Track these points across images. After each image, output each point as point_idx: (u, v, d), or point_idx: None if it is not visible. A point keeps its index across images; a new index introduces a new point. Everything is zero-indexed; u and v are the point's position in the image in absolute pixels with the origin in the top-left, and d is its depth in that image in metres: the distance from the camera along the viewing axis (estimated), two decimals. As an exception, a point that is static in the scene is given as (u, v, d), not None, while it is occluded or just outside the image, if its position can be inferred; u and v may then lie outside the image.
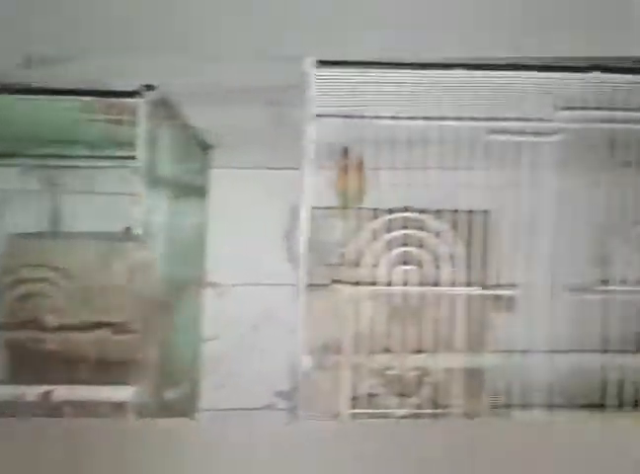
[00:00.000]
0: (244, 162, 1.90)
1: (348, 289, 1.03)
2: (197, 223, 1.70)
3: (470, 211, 1.02)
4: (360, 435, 0.92)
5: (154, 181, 1.04)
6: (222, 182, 1.80)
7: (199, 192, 1.73)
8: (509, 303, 1.03)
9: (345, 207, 1.08)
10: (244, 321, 1.76)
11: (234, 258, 1.74)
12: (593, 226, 1.02)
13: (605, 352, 1.03)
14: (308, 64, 0.98)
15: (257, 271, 1.68)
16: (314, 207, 1.16)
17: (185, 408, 1.57)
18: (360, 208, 1.08)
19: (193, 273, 1.62)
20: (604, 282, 1.02)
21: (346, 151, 1.28)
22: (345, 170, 1.32)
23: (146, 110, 0.98)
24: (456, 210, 1.02)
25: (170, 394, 1.35)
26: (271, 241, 1.71)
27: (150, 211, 1.01)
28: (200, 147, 1.68)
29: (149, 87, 1.00)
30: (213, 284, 1.79)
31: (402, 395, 1.03)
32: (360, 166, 1.35)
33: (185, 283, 1.52)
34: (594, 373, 1.03)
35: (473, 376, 1.03)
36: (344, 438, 0.92)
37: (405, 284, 1.02)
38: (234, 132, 1.66)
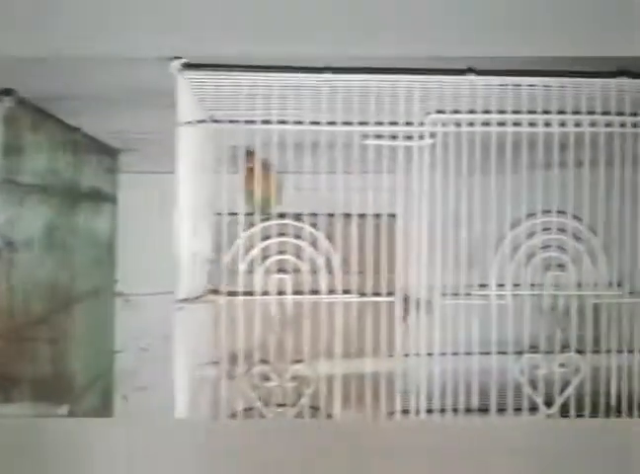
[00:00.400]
0: (154, 167, 1.86)
1: (222, 300, 1.00)
2: (103, 230, 1.65)
3: (348, 215, 1.01)
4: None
5: (19, 188, 0.99)
6: (132, 187, 1.76)
7: (105, 197, 1.68)
8: (389, 309, 1.02)
9: (253, 213, 1.05)
10: (154, 331, 1.72)
11: (145, 266, 1.70)
12: (467, 230, 1.01)
13: (487, 354, 1.02)
14: (175, 67, 0.95)
15: (168, 279, 1.64)
16: (217, 214, 1.12)
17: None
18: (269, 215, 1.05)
19: (95, 282, 1.57)
20: (483, 287, 1.02)
21: (250, 155, 1.25)
22: (251, 174, 1.29)
23: (2, 115, 0.93)
24: (333, 214, 1.00)
25: (64, 409, 1.30)
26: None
27: (11, 220, 0.97)
28: (102, 152, 1.63)
29: (7, 92, 0.95)
30: (121, 294, 1.75)
31: (281, 406, 1.01)
32: (267, 170, 1.32)
33: (83, 294, 1.47)
34: (474, 377, 1.02)
35: (355, 384, 1.01)
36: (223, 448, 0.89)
37: (282, 293, 1.00)
38: (143, 137, 1.62)
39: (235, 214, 1.06)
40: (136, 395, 1.67)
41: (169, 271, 1.57)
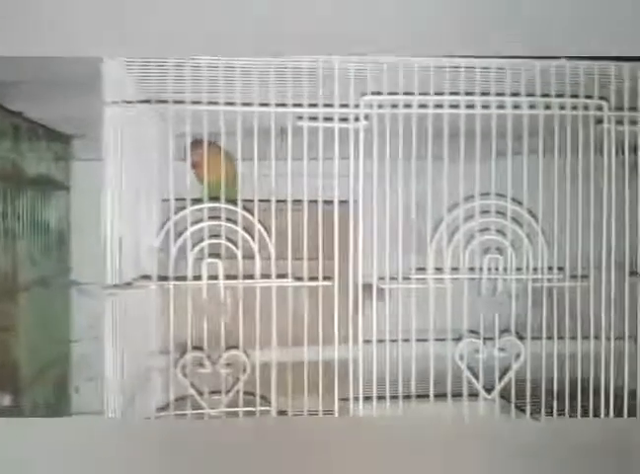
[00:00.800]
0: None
1: (153, 285, 0.98)
2: (55, 218, 1.62)
3: (282, 201, 0.98)
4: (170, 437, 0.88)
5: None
6: (87, 174, 1.72)
7: (56, 185, 1.65)
8: (325, 294, 1.00)
9: (203, 199, 1.02)
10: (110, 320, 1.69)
11: (100, 254, 1.66)
12: (407, 214, 0.99)
13: (425, 341, 1.00)
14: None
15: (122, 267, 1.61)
16: (164, 200, 1.09)
17: (41, 413, 1.50)
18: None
19: (45, 270, 1.54)
20: (420, 270, 1.00)
21: (200, 141, 1.21)
22: (200, 160, 1.27)
23: None
24: (268, 200, 0.98)
25: (6, 400, 1.28)
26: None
27: None
28: (52, 139, 1.60)
29: None
30: (75, 283, 1.72)
31: (215, 394, 0.99)
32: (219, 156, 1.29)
33: (30, 282, 1.44)
34: (411, 363, 1.00)
35: (293, 371, 0.99)
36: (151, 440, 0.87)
37: (216, 278, 0.98)
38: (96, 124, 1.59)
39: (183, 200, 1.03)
40: (88, 385, 1.65)
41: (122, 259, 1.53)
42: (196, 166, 1.29)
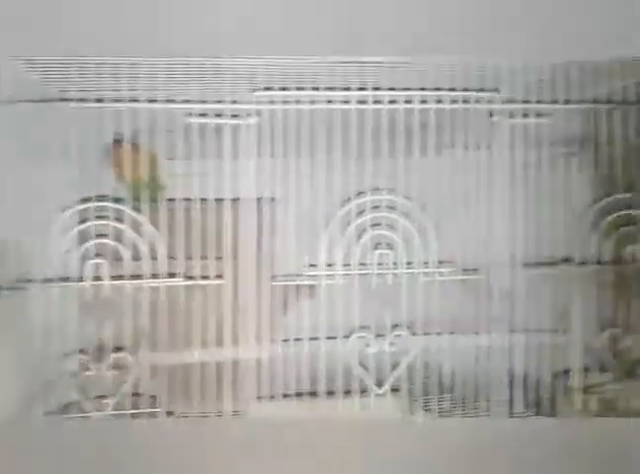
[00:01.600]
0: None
1: (35, 288, 0.95)
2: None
3: (172, 200, 0.97)
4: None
5: None
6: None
7: None
8: (217, 293, 0.98)
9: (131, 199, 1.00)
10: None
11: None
12: (300, 210, 0.98)
13: (316, 339, 0.99)
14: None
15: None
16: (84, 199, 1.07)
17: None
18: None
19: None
20: (312, 267, 0.99)
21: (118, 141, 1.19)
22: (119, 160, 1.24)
23: None
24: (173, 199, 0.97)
25: None
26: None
27: None
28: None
29: None
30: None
31: (100, 397, 0.96)
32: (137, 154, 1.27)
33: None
34: (305, 360, 0.99)
35: (180, 373, 0.97)
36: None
37: (100, 279, 0.96)
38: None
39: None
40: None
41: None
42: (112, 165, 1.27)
